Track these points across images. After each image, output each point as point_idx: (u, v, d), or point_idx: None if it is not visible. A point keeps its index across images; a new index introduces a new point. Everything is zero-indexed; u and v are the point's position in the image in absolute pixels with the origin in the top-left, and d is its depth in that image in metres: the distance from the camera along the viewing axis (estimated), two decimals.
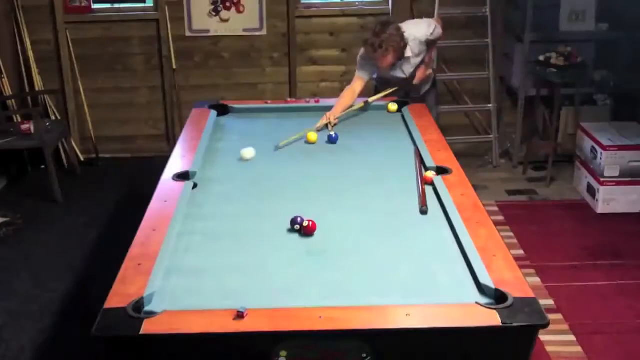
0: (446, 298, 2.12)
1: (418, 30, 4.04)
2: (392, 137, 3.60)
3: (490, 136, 5.42)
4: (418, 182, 2.94)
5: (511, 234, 4.28)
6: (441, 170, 3.03)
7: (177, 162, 3.18)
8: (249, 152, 3.31)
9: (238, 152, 3.37)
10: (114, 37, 5.36)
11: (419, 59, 4.12)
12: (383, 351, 1.97)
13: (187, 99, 5.32)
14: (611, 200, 4.58)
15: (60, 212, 4.71)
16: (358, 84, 4.00)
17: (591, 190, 4.70)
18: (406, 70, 4.11)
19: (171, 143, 5.35)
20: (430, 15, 5.24)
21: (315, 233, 2.53)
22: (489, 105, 5.36)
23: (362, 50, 4.02)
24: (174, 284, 2.21)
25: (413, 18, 5.35)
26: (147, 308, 2.05)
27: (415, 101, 4.06)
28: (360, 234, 2.56)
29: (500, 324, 1.94)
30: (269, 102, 4.24)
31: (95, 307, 2.07)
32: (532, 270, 3.86)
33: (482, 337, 1.99)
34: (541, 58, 4.90)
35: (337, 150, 3.44)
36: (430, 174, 2.98)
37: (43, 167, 5.02)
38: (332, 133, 3.55)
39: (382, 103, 4.04)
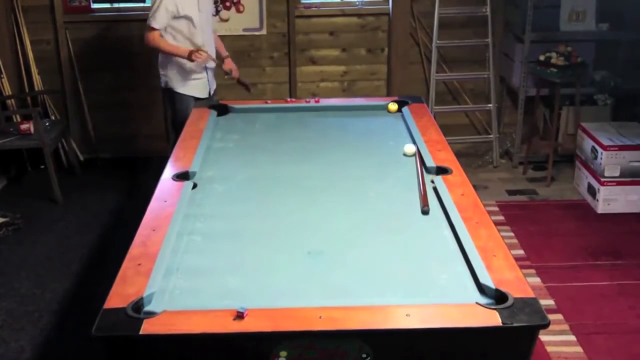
0: (446, 298, 2.11)
1: None
2: (392, 137, 3.59)
3: (490, 136, 5.42)
4: (419, 182, 2.94)
5: (511, 234, 4.28)
6: (441, 170, 3.02)
7: (177, 162, 3.18)
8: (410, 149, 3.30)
9: (238, 152, 3.38)
10: (114, 37, 5.35)
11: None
12: (383, 351, 1.97)
13: None
14: (611, 200, 4.58)
15: (60, 212, 4.71)
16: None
17: (591, 190, 4.70)
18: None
19: (171, 143, 5.35)
20: (430, 16, 5.24)
21: (315, 233, 2.53)
22: (489, 105, 5.36)
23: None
24: (173, 284, 2.21)
25: (413, 18, 5.37)
26: (146, 308, 2.04)
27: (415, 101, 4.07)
28: (361, 234, 2.56)
29: (501, 324, 1.93)
30: (269, 102, 4.24)
31: (95, 307, 2.07)
32: (532, 270, 3.85)
33: (482, 338, 1.99)
34: (541, 58, 4.90)
35: (337, 150, 3.44)
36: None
37: (43, 167, 5.02)
38: None
39: (382, 103, 4.03)
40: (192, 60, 4.15)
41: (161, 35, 4.20)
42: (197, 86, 4.34)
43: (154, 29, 4.17)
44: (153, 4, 4.15)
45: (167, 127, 5.52)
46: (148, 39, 4.21)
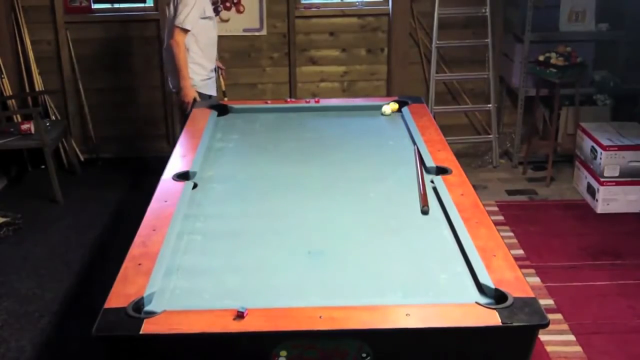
0: (446, 298, 2.11)
1: None
2: (392, 137, 3.60)
3: (490, 136, 5.42)
4: (418, 182, 2.94)
5: (511, 234, 4.28)
6: (441, 170, 3.03)
7: (177, 162, 3.18)
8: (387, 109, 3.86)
9: (238, 152, 3.39)
10: (114, 37, 5.36)
11: None
12: (383, 351, 1.97)
13: None
14: (611, 200, 4.58)
15: (60, 212, 4.71)
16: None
17: (591, 190, 4.70)
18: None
19: (171, 143, 5.35)
20: (429, 16, 5.24)
21: (315, 233, 2.53)
22: (489, 105, 5.36)
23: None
24: (174, 284, 2.21)
25: (413, 19, 5.37)
26: (147, 308, 2.05)
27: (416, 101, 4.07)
28: (361, 234, 2.56)
29: (500, 324, 1.94)
30: (269, 102, 4.24)
31: (95, 307, 2.07)
32: (532, 270, 3.86)
33: (482, 337, 1.99)
34: (541, 58, 4.90)
35: (337, 150, 3.44)
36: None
37: (43, 167, 5.03)
38: None
39: (382, 103, 4.04)
40: (181, 92, 4.22)
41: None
42: (211, 85, 4.45)
43: (187, 31, 4.12)
44: (184, 6, 4.07)
45: (168, 127, 5.53)
46: (178, 41, 4.12)
